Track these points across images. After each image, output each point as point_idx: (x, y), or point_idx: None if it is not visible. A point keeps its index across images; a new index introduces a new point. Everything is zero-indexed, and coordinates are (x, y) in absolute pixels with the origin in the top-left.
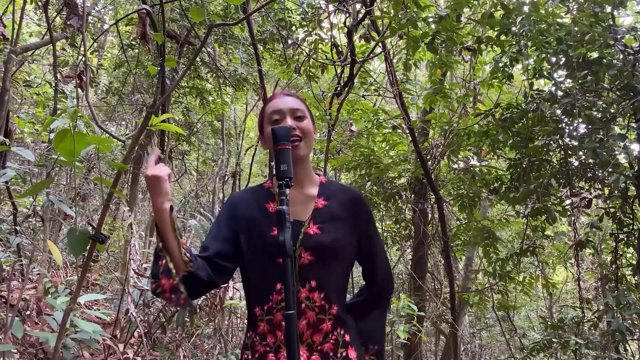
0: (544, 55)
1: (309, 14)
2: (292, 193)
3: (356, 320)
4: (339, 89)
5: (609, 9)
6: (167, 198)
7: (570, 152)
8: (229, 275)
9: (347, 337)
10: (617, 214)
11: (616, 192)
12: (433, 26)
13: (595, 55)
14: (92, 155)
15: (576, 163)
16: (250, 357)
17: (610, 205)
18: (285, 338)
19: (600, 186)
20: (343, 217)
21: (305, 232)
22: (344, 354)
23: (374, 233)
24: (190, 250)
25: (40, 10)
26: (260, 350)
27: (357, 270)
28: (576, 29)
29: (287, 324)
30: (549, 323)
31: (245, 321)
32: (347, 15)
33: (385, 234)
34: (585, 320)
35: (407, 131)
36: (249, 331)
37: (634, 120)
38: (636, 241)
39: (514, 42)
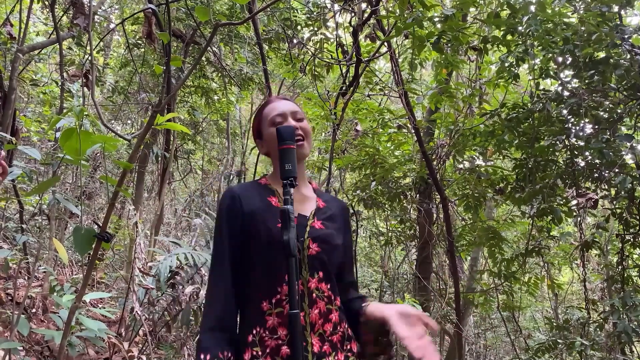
0: (550, 55)
1: (315, 13)
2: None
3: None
4: (344, 88)
5: (616, 8)
6: None
7: (576, 153)
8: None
9: (350, 331)
10: (624, 214)
11: (622, 192)
12: (439, 26)
13: (602, 55)
14: (98, 154)
15: (582, 163)
16: (260, 353)
17: (617, 206)
18: (290, 336)
19: (606, 187)
20: (337, 221)
21: (311, 225)
22: (348, 346)
23: (349, 245)
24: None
25: (47, 10)
26: (271, 344)
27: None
28: (583, 28)
29: (292, 322)
30: (555, 324)
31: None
32: (353, 14)
33: (390, 233)
34: (591, 322)
35: (413, 131)
36: (254, 328)
37: None
38: None
39: (520, 42)
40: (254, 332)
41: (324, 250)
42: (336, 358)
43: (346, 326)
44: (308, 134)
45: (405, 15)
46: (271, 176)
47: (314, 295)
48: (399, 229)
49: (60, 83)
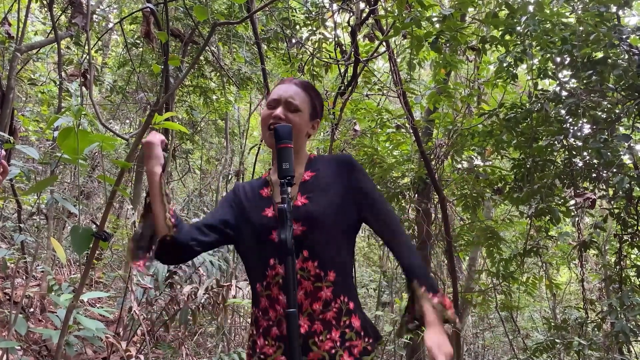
0: (548, 55)
1: (313, 13)
2: None
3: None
4: (342, 88)
5: (614, 8)
6: (158, 162)
7: (574, 153)
8: (212, 241)
9: (352, 305)
10: (622, 214)
11: (620, 192)
12: (437, 25)
13: (600, 55)
14: (96, 154)
15: (580, 163)
16: (255, 332)
17: (615, 206)
18: (287, 336)
19: (604, 187)
20: (332, 182)
21: (294, 205)
22: (347, 322)
23: (370, 190)
24: (177, 217)
25: (45, 9)
26: (263, 324)
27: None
28: (581, 28)
29: (288, 322)
30: (553, 324)
31: (248, 320)
32: (351, 14)
33: None
34: (588, 321)
35: (411, 131)
36: (253, 307)
37: (638, 121)
38: None
39: (519, 42)
40: (253, 310)
41: (309, 226)
42: (329, 336)
43: (346, 300)
44: (293, 125)
45: (404, 15)
46: (273, 168)
47: (298, 275)
48: None
49: (58, 82)
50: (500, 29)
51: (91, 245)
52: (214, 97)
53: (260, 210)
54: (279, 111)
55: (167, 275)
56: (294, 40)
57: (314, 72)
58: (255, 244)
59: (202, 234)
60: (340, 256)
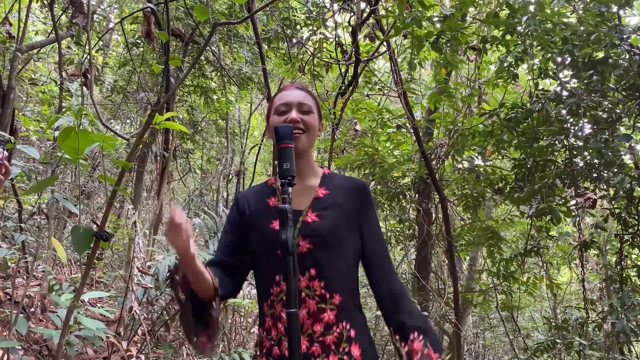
0: (549, 55)
1: (314, 12)
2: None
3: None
4: (343, 88)
5: (615, 8)
6: (188, 257)
7: (575, 153)
8: (242, 275)
9: (353, 332)
10: (622, 214)
11: (621, 192)
12: (438, 25)
13: (601, 55)
14: (97, 153)
15: (581, 163)
16: (258, 353)
17: (615, 206)
18: (287, 336)
19: (605, 187)
20: (344, 205)
21: (303, 221)
22: (346, 349)
23: (376, 228)
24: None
25: (46, 9)
26: (266, 345)
27: None
28: (582, 28)
29: (289, 322)
30: (553, 324)
31: (249, 320)
32: (352, 14)
33: (389, 233)
34: (589, 321)
35: (412, 131)
36: (259, 328)
37: (639, 121)
38: None
39: (519, 42)
40: (259, 331)
41: (317, 245)
42: None
43: (347, 326)
44: (310, 127)
45: (404, 15)
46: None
47: (303, 294)
48: (398, 229)
49: (59, 82)
50: (501, 28)
51: (92, 245)
52: (215, 97)
53: (268, 223)
54: (294, 114)
55: (167, 275)
56: (294, 40)
57: (315, 72)
58: (263, 257)
59: (231, 270)
60: (347, 280)
